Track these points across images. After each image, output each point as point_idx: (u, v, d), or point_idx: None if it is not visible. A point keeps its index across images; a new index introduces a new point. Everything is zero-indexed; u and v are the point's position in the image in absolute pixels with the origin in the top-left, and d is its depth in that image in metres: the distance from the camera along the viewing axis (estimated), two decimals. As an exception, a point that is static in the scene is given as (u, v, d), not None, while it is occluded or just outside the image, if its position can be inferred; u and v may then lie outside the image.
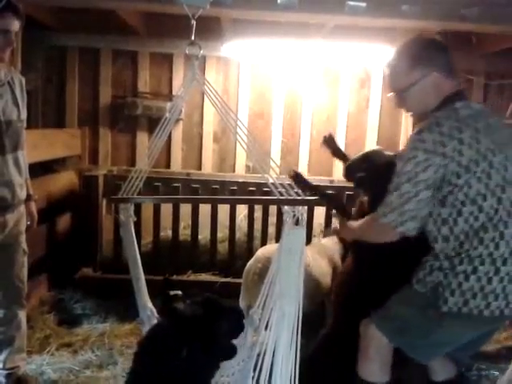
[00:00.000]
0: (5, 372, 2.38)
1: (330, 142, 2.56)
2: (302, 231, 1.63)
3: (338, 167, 4.21)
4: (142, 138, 4.16)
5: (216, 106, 1.98)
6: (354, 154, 4.30)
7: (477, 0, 2.74)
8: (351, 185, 3.69)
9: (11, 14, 2.03)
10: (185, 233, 3.91)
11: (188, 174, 4.09)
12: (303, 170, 4.15)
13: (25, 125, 2.34)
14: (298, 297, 1.58)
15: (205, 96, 4.02)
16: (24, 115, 2.31)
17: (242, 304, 2.60)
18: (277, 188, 1.69)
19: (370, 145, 4.19)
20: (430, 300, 1.75)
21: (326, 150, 2.55)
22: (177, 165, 4.20)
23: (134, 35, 3.88)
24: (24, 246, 2.40)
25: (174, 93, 4.06)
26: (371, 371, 1.90)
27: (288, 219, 1.64)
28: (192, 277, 3.65)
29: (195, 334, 1.57)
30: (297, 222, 1.63)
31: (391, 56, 1.83)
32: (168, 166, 4.20)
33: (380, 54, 3.52)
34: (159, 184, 3.57)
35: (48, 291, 3.44)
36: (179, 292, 1.78)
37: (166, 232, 3.89)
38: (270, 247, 2.86)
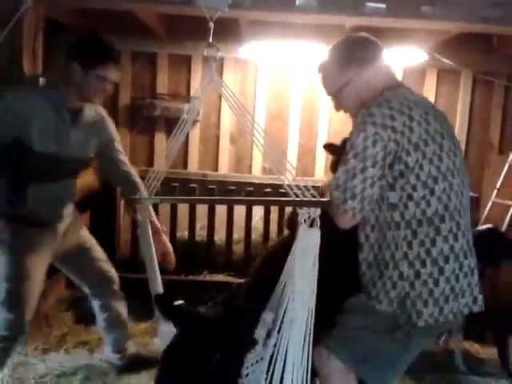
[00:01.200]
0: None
1: (334, 150, 2.48)
2: (317, 233, 1.57)
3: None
4: (160, 138, 4.19)
5: (233, 108, 1.98)
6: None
7: (500, 1, 2.69)
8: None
9: (112, 63, 2.19)
10: (201, 233, 3.93)
11: (205, 175, 4.11)
12: (320, 171, 4.13)
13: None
14: (311, 300, 1.54)
15: (222, 97, 4.08)
16: (93, 152, 2.47)
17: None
18: (292, 190, 1.68)
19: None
20: (400, 319, 1.58)
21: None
22: (194, 165, 4.22)
23: (153, 37, 3.91)
24: (91, 241, 2.61)
25: (191, 94, 4.09)
26: None
27: (303, 221, 1.59)
28: (208, 277, 3.67)
29: (223, 336, 1.55)
30: (311, 224, 1.57)
31: (323, 58, 1.78)
32: (185, 166, 4.22)
33: (398, 54, 3.50)
34: (176, 184, 3.59)
35: (65, 290, 3.49)
36: (182, 302, 1.75)
37: (183, 232, 3.91)
38: None
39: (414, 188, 1.54)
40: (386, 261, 1.60)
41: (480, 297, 1.64)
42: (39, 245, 2.30)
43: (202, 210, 3.80)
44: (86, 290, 2.68)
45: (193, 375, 1.52)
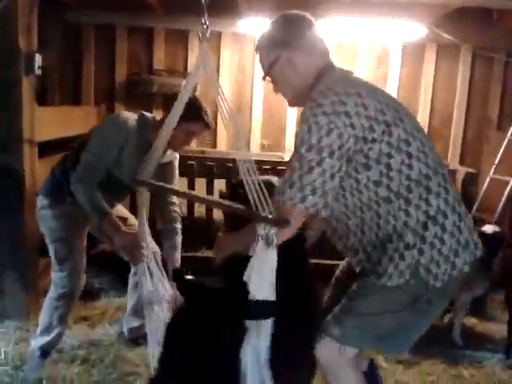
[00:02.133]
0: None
1: None
2: (273, 253, 1.45)
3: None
4: (157, 115, 4.15)
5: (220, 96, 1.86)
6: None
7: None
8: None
9: (202, 123, 2.37)
10: (200, 210, 3.94)
11: (203, 152, 4.10)
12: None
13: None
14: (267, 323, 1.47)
15: (220, 73, 4.06)
16: None
17: None
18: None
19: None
20: (416, 288, 1.52)
21: None
22: (192, 142, 4.20)
23: (149, 12, 3.86)
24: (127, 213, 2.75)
25: (189, 70, 4.05)
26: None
27: (260, 239, 1.47)
28: (205, 253, 3.71)
29: (231, 305, 1.56)
30: (268, 242, 1.45)
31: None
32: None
33: (398, 29, 3.46)
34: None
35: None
36: (192, 277, 1.77)
37: (181, 209, 3.92)
38: None
39: (390, 155, 1.48)
40: (390, 234, 1.53)
41: (479, 240, 1.61)
42: (79, 218, 2.44)
43: (199, 187, 3.81)
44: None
45: (201, 345, 1.52)
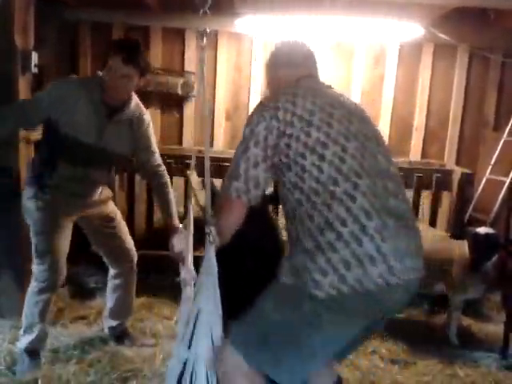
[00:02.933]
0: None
1: None
2: (213, 249, 1.63)
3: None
4: (154, 114, 4.15)
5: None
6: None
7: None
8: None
9: (125, 56, 2.29)
10: (196, 209, 3.93)
11: (200, 151, 4.07)
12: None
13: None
14: (217, 313, 1.60)
15: (217, 73, 4.05)
16: (128, 152, 2.56)
17: None
18: None
19: (385, 122, 4.15)
20: (302, 292, 1.47)
21: None
22: (188, 142, 4.20)
23: (146, 10, 3.84)
24: (117, 214, 2.79)
25: (186, 68, 4.05)
26: None
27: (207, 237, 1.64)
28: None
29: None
30: (210, 240, 1.62)
31: None
32: (180, 143, 4.20)
33: (396, 29, 3.46)
34: (171, 161, 3.58)
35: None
36: None
37: (178, 207, 3.91)
38: None
39: (304, 156, 1.51)
40: (295, 237, 1.56)
41: (398, 266, 1.45)
42: (65, 207, 2.50)
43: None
44: (104, 258, 2.80)
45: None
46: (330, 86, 1.81)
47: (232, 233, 1.64)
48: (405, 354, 2.92)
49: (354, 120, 1.60)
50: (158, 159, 2.61)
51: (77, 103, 2.35)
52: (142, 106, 2.57)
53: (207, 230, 1.62)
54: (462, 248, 3.10)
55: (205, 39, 1.87)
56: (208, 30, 1.94)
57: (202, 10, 1.86)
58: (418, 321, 3.41)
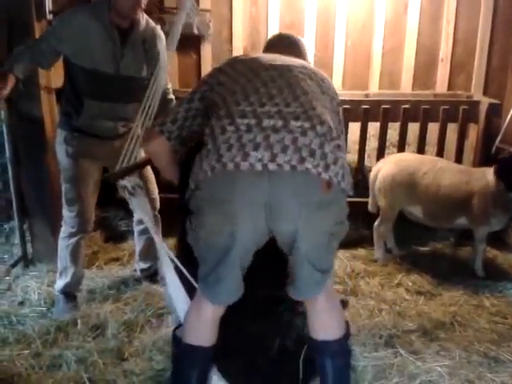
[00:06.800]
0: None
1: None
2: (142, 199, 2.08)
3: (374, 80, 4.08)
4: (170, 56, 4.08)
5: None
6: (390, 63, 4.14)
7: None
8: (387, 98, 3.62)
9: None
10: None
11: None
12: (337, 84, 4.03)
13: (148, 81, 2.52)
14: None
15: (233, 8, 3.92)
16: (148, 74, 2.53)
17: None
18: None
19: (409, 54, 4.01)
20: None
21: None
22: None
23: None
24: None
25: (200, 6, 3.92)
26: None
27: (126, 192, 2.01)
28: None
29: None
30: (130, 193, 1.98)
31: None
32: (199, 84, 4.14)
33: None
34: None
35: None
36: None
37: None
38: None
39: (212, 89, 1.77)
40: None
41: (282, 156, 1.51)
42: (93, 153, 2.54)
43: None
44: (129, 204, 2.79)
45: None
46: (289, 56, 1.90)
47: (161, 165, 1.91)
48: (430, 286, 2.97)
49: (283, 79, 1.71)
50: (167, 77, 2.70)
51: (90, 33, 2.33)
52: (151, 21, 2.55)
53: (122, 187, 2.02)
54: (483, 179, 3.04)
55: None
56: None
57: None
58: (443, 254, 3.43)
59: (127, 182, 2.07)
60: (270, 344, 2.14)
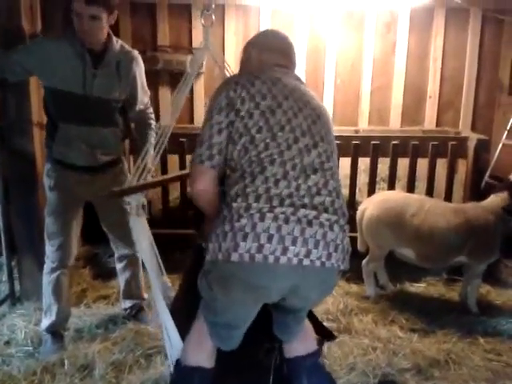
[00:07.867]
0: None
1: None
2: (143, 220, 1.93)
3: (363, 117, 4.14)
4: (164, 93, 4.14)
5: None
6: (379, 101, 4.23)
7: None
8: (377, 134, 3.66)
9: (95, 5, 2.25)
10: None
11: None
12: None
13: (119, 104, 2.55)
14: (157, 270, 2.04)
15: (225, 48, 4.00)
16: (122, 95, 2.52)
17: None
18: None
19: (397, 92, 4.09)
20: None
21: None
22: (200, 120, 4.17)
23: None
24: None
25: (193, 45, 4.00)
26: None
27: (129, 209, 1.90)
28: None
29: None
30: (138, 211, 1.88)
31: None
32: (191, 121, 4.19)
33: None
34: (184, 140, 3.57)
35: (82, 246, 3.55)
36: None
37: (174, 191, 3.89)
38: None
39: (240, 135, 1.65)
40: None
41: (315, 252, 1.57)
42: (71, 187, 2.51)
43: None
44: (110, 241, 2.81)
45: None
46: (299, 79, 1.89)
47: (206, 200, 1.73)
48: (424, 323, 2.93)
49: (301, 115, 1.71)
50: (148, 100, 2.70)
51: (59, 54, 2.34)
52: (127, 46, 2.55)
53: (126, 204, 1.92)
54: (483, 214, 3.02)
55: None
56: (213, 6, 1.97)
57: None
58: (436, 290, 3.41)
59: (133, 200, 1.99)
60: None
